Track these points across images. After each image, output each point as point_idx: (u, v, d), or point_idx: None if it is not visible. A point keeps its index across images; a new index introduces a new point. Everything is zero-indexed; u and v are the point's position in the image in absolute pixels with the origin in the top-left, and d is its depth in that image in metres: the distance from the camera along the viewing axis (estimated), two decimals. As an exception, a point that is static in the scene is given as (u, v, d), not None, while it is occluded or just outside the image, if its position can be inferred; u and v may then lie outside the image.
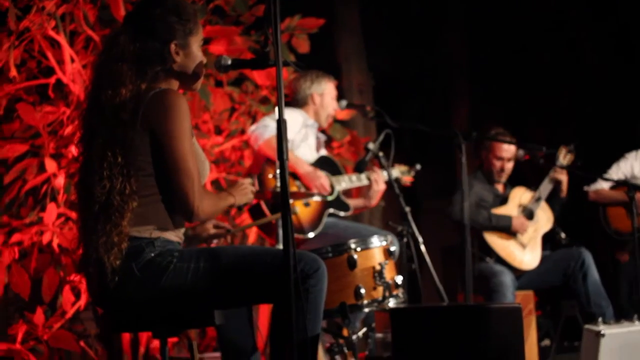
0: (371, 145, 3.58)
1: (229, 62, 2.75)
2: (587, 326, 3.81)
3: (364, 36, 7.24)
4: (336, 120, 5.10)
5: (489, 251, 4.55)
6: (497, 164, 4.75)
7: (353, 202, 4.33)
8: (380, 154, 3.60)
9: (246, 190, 2.77)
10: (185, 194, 2.49)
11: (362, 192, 4.40)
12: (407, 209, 3.46)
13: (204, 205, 2.54)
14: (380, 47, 7.66)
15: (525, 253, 4.61)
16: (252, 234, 4.84)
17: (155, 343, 4.37)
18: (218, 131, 5.00)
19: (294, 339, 2.32)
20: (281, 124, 2.36)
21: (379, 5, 7.70)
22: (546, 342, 5.40)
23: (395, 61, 7.89)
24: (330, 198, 4.00)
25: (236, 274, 2.57)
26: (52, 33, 4.55)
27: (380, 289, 3.15)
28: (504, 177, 4.80)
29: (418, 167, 4.37)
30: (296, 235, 3.80)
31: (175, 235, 2.63)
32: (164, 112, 2.49)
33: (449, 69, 8.33)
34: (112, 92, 2.52)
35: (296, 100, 4.25)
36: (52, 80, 4.59)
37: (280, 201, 2.35)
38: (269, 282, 2.55)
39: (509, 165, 4.77)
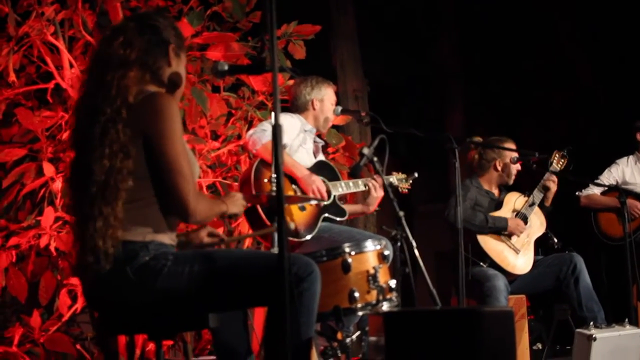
0: (365, 151, 3.59)
1: (226, 67, 2.80)
2: (578, 330, 3.86)
3: (359, 43, 7.29)
4: (331, 126, 5.14)
5: (483, 256, 4.57)
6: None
7: (351, 208, 4.35)
8: (375, 159, 3.62)
9: (239, 202, 2.82)
10: (182, 194, 2.53)
11: (356, 197, 4.42)
12: (401, 213, 3.47)
13: (200, 206, 2.58)
14: (375, 53, 7.70)
15: (518, 258, 4.64)
16: (247, 238, 4.87)
17: (151, 346, 4.40)
18: (215, 136, 5.03)
19: (288, 342, 2.34)
20: (277, 129, 2.40)
21: (375, 12, 7.75)
22: (538, 346, 5.44)
23: (391, 67, 7.93)
24: (326, 203, 4.03)
25: (230, 278, 2.60)
26: (51, 38, 4.60)
27: (374, 292, 3.19)
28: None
29: (415, 175, 4.40)
30: (291, 239, 3.83)
31: (169, 239, 2.66)
32: (155, 115, 2.54)
33: (443, 74, 8.37)
34: (122, 73, 2.58)
35: (296, 106, 4.26)
36: (51, 85, 4.63)
37: (276, 205, 2.38)
38: (262, 285, 2.58)
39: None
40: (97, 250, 2.50)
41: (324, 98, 4.25)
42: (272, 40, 2.42)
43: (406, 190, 4.36)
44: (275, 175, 2.36)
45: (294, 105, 4.28)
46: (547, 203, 4.80)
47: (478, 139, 4.76)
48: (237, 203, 2.81)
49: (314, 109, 4.24)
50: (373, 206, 4.20)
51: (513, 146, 4.73)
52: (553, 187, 4.72)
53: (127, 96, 2.55)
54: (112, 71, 2.59)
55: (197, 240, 2.93)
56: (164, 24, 2.72)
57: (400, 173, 4.36)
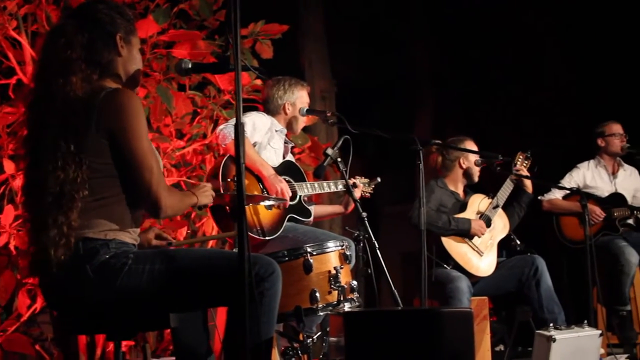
0: (330, 151, 3.61)
1: (190, 65, 2.78)
2: (538, 331, 3.89)
3: (328, 42, 7.30)
4: (298, 126, 5.13)
5: (447, 257, 4.59)
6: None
7: (327, 209, 4.37)
8: (339, 159, 3.64)
9: (207, 192, 2.81)
10: (151, 189, 2.52)
11: (322, 198, 4.42)
12: (364, 214, 3.50)
13: (170, 201, 2.57)
14: (345, 52, 7.71)
15: (481, 260, 4.67)
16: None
17: (112, 346, 4.35)
18: (180, 135, 5.00)
19: (247, 341, 2.33)
20: (239, 128, 2.39)
21: (344, 12, 7.75)
22: (500, 347, 5.48)
23: (359, 68, 7.94)
24: (292, 203, 4.03)
25: (191, 277, 2.58)
26: (13, 33, 4.53)
27: (335, 293, 3.20)
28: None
29: (378, 179, 4.42)
30: (256, 238, 3.83)
31: (130, 237, 2.63)
32: (120, 112, 2.50)
33: (412, 75, 8.39)
34: (64, 81, 2.52)
35: (267, 109, 4.23)
36: (13, 80, 4.57)
37: (237, 205, 2.38)
38: (223, 285, 2.57)
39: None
40: (49, 258, 2.48)
41: (296, 102, 4.24)
42: (236, 39, 2.41)
43: (369, 195, 4.37)
44: (237, 175, 2.36)
45: (265, 108, 4.25)
46: (529, 190, 4.84)
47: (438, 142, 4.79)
48: (206, 194, 2.80)
49: (285, 113, 4.23)
50: (351, 206, 4.21)
51: (473, 146, 4.76)
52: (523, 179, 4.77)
53: (73, 103, 2.50)
54: (56, 78, 2.53)
55: (145, 242, 2.91)
56: (106, 13, 2.64)
57: (363, 177, 4.37)
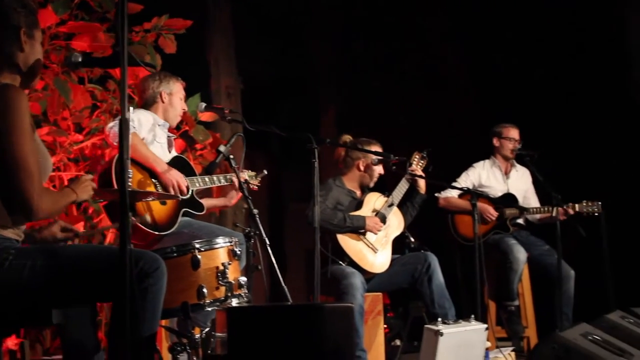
0: (222, 148, 3.64)
1: (80, 59, 2.74)
2: (427, 326, 4.02)
3: (234, 39, 7.29)
4: (199, 122, 5.13)
5: (342, 254, 4.67)
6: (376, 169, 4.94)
7: (214, 201, 4.41)
8: (231, 156, 3.68)
9: (87, 186, 2.77)
10: (25, 192, 2.48)
11: (224, 191, 4.47)
12: (255, 211, 3.55)
13: (43, 204, 2.52)
14: (253, 49, 7.71)
15: (376, 256, 4.78)
16: (110, 233, 4.80)
17: (7, 342, 4.25)
18: (79, 129, 4.92)
19: (128, 337, 2.34)
20: (123, 124, 2.38)
21: (251, 8, 7.74)
22: (396, 342, 5.62)
23: (268, 63, 7.94)
24: (184, 197, 4.05)
25: (73, 273, 2.57)
26: None
27: (223, 289, 3.23)
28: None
29: (265, 172, 4.50)
30: (151, 233, 3.83)
31: (13, 233, 2.60)
32: (4, 110, 2.46)
33: (317, 72, 8.43)
34: None
35: (144, 100, 4.26)
36: None
37: (119, 201, 2.37)
38: (106, 280, 2.56)
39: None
40: None
41: (173, 92, 4.28)
42: (123, 33, 2.40)
43: (256, 187, 4.45)
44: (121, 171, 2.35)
45: (142, 99, 4.28)
46: (422, 191, 4.97)
47: (348, 137, 4.89)
48: (86, 188, 2.75)
49: (162, 101, 4.26)
50: (234, 199, 4.33)
51: (378, 148, 4.86)
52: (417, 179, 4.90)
53: None
54: None
55: (50, 236, 2.87)
56: (9, 6, 2.61)
57: (250, 171, 4.45)
